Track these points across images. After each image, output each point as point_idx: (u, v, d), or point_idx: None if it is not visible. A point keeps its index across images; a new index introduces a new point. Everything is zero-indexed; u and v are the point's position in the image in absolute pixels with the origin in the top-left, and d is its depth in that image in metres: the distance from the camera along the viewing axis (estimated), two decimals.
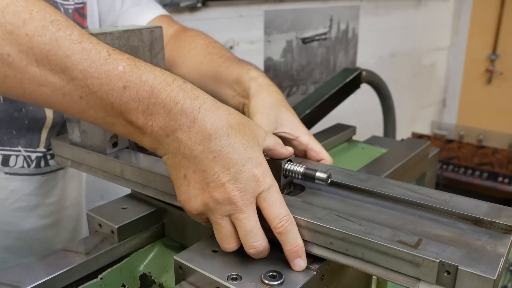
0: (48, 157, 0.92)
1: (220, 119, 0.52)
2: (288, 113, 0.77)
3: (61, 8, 0.91)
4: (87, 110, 0.52)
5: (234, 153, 0.51)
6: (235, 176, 0.51)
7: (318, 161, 0.75)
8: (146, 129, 0.52)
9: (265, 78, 0.82)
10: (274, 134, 0.71)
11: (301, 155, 0.76)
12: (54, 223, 0.98)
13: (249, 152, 0.53)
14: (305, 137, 0.75)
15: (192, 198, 0.54)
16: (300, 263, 0.54)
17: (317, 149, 0.75)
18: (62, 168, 0.96)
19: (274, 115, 0.75)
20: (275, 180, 0.54)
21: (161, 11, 1.05)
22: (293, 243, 0.54)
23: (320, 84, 1.87)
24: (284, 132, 0.75)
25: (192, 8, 1.77)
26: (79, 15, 0.95)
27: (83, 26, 0.95)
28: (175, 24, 1.04)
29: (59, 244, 0.99)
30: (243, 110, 0.83)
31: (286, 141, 0.75)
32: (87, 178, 1.22)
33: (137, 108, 0.51)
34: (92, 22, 0.98)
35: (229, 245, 0.55)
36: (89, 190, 1.61)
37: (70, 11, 0.92)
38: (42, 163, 0.91)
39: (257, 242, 0.53)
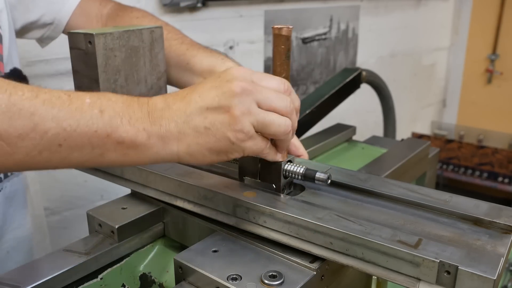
0: None
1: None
2: None
3: None
4: (71, 153, 0.52)
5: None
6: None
7: (297, 156, 0.77)
8: (138, 137, 0.52)
9: None
10: None
11: None
12: None
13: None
14: None
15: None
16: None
17: (296, 144, 0.78)
18: None
19: None
20: None
21: None
22: None
23: (320, 84, 1.87)
24: None
25: (192, 8, 1.77)
26: None
27: None
28: (109, 2, 0.99)
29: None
30: None
31: None
32: (87, 178, 1.19)
33: (121, 122, 0.52)
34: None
35: None
36: (89, 190, 1.61)
37: None
38: None
39: None
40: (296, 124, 0.59)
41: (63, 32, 0.99)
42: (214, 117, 0.53)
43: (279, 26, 0.59)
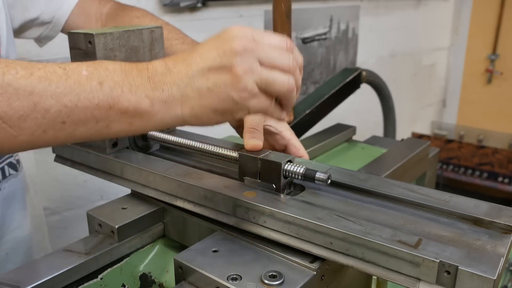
0: None
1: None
2: None
3: None
4: (76, 129, 0.51)
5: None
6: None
7: (298, 157, 0.77)
8: (141, 104, 0.51)
9: None
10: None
11: (281, 149, 0.78)
12: None
13: None
14: (287, 132, 0.77)
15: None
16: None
17: (297, 145, 0.77)
18: None
19: None
20: None
21: None
22: None
23: (320, 84, 1.87)
24: (270, 126, 0.76)
25: (192, 8, 1.77)
26: None
27: None
28: (108, 1, 0.98)
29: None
30: None
31: (270, 134, 0.77)
32: (87, 178, 1.19)
33: (122, 92, 0.51)
34: None
35: None
36: (89, 190, 1.61)
37: None
38: None
39: None
40: (300, 82, 0.57)
41: (62, 31, 0.98)
42: (217, 77, 0.52)
43: None
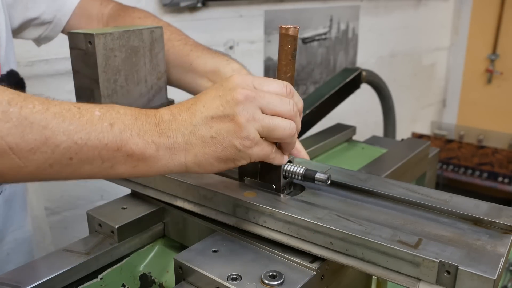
0: None
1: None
2: None
3: None
4: (81, 166, 0.52)
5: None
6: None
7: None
8: (147, 149, 0.53)
9: (247, 71, 0.82)
10: None
11: None
12: None
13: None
14: None
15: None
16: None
17: (298, 147, 0.78)
18: None
19: None
20: None
21: None
22: None
23: (320, 84, 1.87)
24: None
25: (192, 8, 1.77)
26: None
27: None
28: (110, 2, 0.99)
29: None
30: None
31: None
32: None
33: (131, 135, 0.52)
34: None
35: None
36: (89, 190, 1.61)
37: None
38: None
39: None
40: (300, 126, 0.59)
41: (63, 32, 0.98)
42: (220, 126, 0.53)
43: (286, 26, 0.59)
